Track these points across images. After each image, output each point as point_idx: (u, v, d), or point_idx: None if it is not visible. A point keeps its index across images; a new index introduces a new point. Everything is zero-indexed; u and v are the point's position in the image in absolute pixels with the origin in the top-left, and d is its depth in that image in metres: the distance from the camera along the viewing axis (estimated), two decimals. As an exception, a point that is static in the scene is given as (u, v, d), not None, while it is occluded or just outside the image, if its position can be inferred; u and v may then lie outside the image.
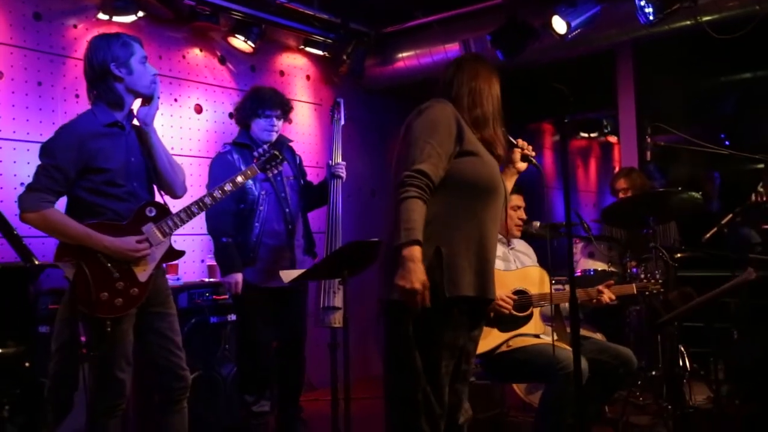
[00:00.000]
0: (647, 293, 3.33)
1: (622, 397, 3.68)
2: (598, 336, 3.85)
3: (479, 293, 2.17)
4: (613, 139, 8.78)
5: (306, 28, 4.88)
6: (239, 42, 4.49)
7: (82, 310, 2.36)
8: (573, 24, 4.04)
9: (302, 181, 3.79)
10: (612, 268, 3.98)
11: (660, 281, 3.31)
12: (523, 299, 3.04)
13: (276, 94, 3.66)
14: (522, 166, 2.48)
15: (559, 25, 4.05)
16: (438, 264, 2.09)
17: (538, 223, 3.35)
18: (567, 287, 3.59)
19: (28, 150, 3.67)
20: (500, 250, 3.19)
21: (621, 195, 4.43)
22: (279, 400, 3.70)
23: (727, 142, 6.94)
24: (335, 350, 3.40)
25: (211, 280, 4.02)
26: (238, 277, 3.43)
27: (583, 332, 3.21)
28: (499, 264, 3.15)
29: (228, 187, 2.76)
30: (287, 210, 3.59)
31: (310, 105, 5.23)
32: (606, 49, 5.15)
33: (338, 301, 3.49)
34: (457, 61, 2.37)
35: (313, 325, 3.73)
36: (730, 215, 4.15)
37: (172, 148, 4.30)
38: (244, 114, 3.63)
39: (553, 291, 3.26)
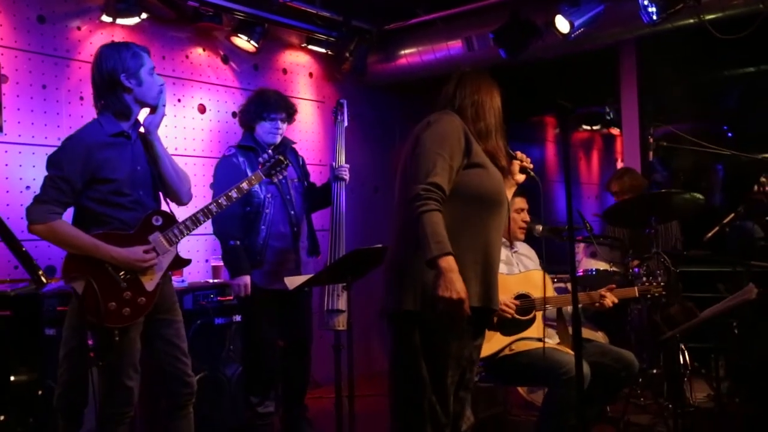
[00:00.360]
0: (649, 296, 3.36)
1: (623, 395, 3.72)
2: (600, 335, 3.88)
3: (484, 303, 2.21)
4: (615, 131, 8.77)
5: (308, 26, 4.87)
6: (242, 41, 4.49)
7: (91, 320, 2.39)
8: (576, 23, 4.03)
9: (306, 183, 3.81)
10: (614, 268, 4.00)
11: (662, 283, 3.34)
12: (525, 303, 3.06)
13: (281, 97, 3.67)
14: (520, 177, 2.51)
15: (562, 24, 4.05)
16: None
17: (540, 227, 3.37)
18: (568, 285, 3.64)
19: (33, 153, 3.69)
20: (504, 253, 3.21)
21: (616, 198, 4.46)
22: (284, 400, 3.74)
23: (729, 134, 6.96)
24: (339, 352, 3.43)
25: (216, 281, 4.04)
26: (247, 279, 3.46)
27: (584, 332, 3.25)
28: (502, 268, 3.17)
29: (234, 194, 2.79)
30: (292, 212, 3.62)
31: (313, 102, 5.23)
32: (609, 45, 5.15)
33: (342, 304, 3.53)
34: (459, 75, 2.39)
35: (318, 327, 3.78)
36: (732, 214, 4.16)
37: (176, 149, 4.32)
38: (248, 117, 3.64)
39: (555, 293, 3.29)
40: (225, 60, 4.64)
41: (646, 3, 3.89)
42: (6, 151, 3.61)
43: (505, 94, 2.41)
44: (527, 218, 3.37)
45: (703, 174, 6.52)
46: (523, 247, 3.42)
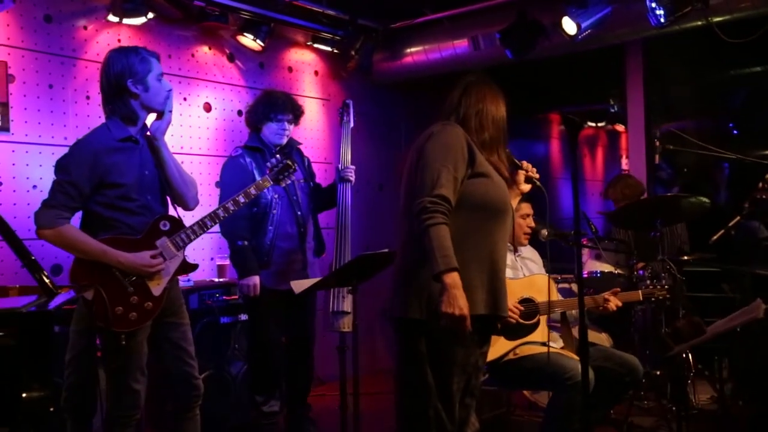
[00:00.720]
0: (653, 299, 3.36)
1: (627, 397, 3.73)
2: (604, 336, 3.89)
3: (491, 311, 2.22)
4: (620, 127, 8.76)
5: (314, 25, 4.86)
6: (248, 40, 4.48)
7: (98, 325, 2.41)
8: (583, 25, 4.02)
9: (312, 184, 3.82)
10: (619, 270, 4.00)
11: (666, 286, 3.35)
12: (529, 308, 3.07)
13: (288, 99, 3.68)
14: (525, 187, 2.52)
15: (569, 26, 4.03)
16: None
17: (546, 231, 3.37)
18: (572, 285, 3.65)
19: (40, 153, 3.70)
20: (508, 258, 3.22)
21: (615, 205, 4.47)
22: (288, 399, 3.76)
23: (735, 132, 6.94)
24: (344, 353, 3.44)
25: (221, 280, 4.06)
26: (256, 279, 3.47)
27: (588, 333, 3.25)
28: (507, 272, 3.15)
29: (241, 198, 2.79)
30: (299, 213, 3.63)
31: (319, 101, 5.23)
32: (615, 45, 5.13)
33: (347, 305, 3.55)
34: (465, 83, 2.37)
35: (323, 329, 3.80)
36: (738, 217, 4.16)
37: (182, 147, 4.33)
38: (255, 118, 3.65)
39: (559, 296, 3.30)
40: (231, 58, 4.64)
41: (653, 6, 3.88)
42: (13, 151, 3.62)
43: (509, 90, 2.40)
44: (532, 224, 3.37)
45: (708, 171, 6.51)
46: (527, 251, 3.42)
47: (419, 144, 2.26)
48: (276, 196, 3.56)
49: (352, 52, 4.96)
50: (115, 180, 2.52)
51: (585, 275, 3.99)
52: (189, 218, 2.76)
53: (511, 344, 3.04)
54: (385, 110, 5.66)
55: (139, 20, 3.95)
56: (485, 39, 4.74)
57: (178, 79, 4.32)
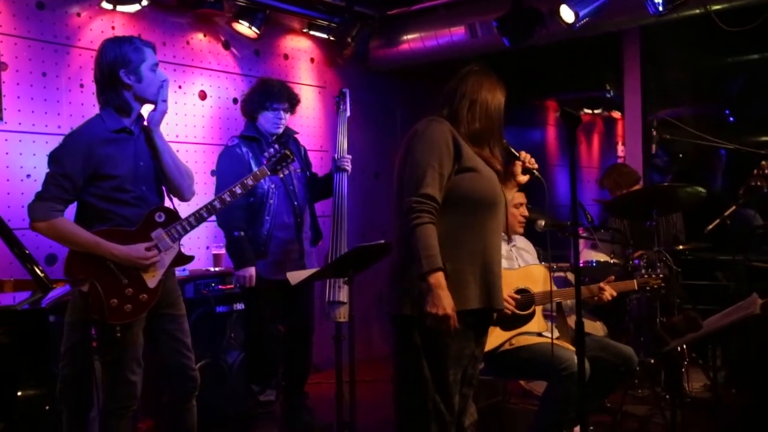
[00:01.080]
0: (648, 288, 3.37)
1: (621, 386, 3.75)
2: (599, 325, 3.90)
3: (485, 304, 2.23)
4: (616, 114, 8.74)
5: (310, 12, 4.83)
6: (243, 27, 4.44)
7: (93, 317, 2.40)
8: (581, 14, 3.99)
9: (308, 173, 3.80)
10: (614, 260, 4.01)
11: (661, 276, 3.36)
12: (525, 298, 3.08)
13: (284, 87, 3.65)
14: (523, 179, 2.49)
15: (567, 14, 4.01)
16: (444, 278, 2.13)
17: (543, 222, 3.37)
18: (568, 274, 3.66)
19: (33, 142, 3.67)
20: (503, 248, 3.22)
21: (610, 194, 4.47)
22: (285, 388, 3.78)
23: (731, 119, 6.94)
24: (340, 343, 3.45)
25: (217, 269, 4.05)
26: (252, 271, 3.47)
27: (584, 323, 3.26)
28: (502, 263, 3.18)
29: (238, 189, 2.77)
30: (296, 203, 3.62)
31: (314, 88, 5.20)
32: (613, 33, 5.10)
33: (343, 296, 3.55)
34: (463, 73, 2.36)
35: (319, 318, 3.80)
36: (733, 207, 4.17)
37: (177, 136, 4.30)
38: (251, 107, 3.62)
39: (555, 286, 3.31)
40: (226, 46, 4.60)
41: (651, -7, 3.85)
42: (6, 140, 3.60)
43: (505, 77, 2.38)
44: (526, 213, 3.36)
45: (704, 158, 6.51)
46: (521, 241, 3.42)
47: (406, 141, 2.26)
48: (273, 186, 3.55)
49: (348, 39, 4.93)
50: (109, 171, 2.50)
51: (581, 265, 4.00)
52: (185, 208, 2.75)
53: (507, 335, 3.05)
54: (381, 97, 5.64)
55: (133, 7, 3.91)
56: (482, 26, 4.71)
57: (172, 66, 4.29)
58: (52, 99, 3.76)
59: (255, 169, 3.16)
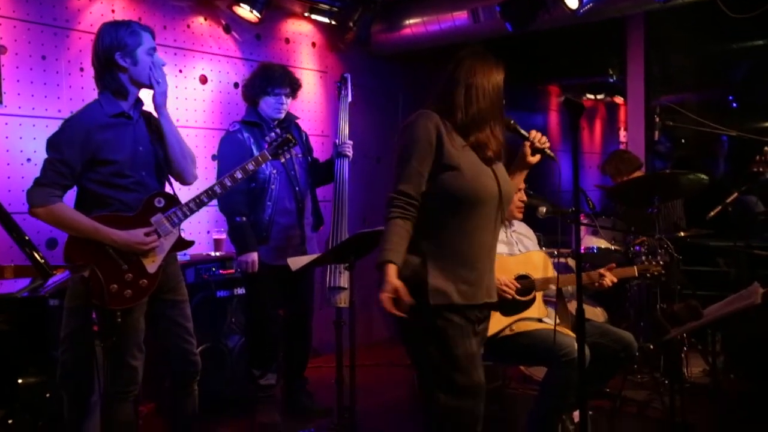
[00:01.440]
0: (648, 275, 3.37)
1: (621, 371, 3.76)
2: (599, 311, 3.91)
3: (467, 300, 2.23)
4: (619, 99, 8.71)
5: (312, -4, 4.79)
6: (244, 11, 4.41)
7: (93, 303, 2.41)
8: (585, -1, 3.96)
9: (309, 159, 3.80)
10: (615, 246, 4.01)
11: (661, 263, 3.35)
12: (525, 284, 3.08)
13: (286, 72, 3.64)
14: (534, 159, 2.44)
15: (571, 0, 3.97)
16: (424, 278, 2.18)
17: (545, 208, 3.36)
18: (569, 260, 3.66)
19: (33, 125, 3.66)
20: (503, 234, 3.22)
21: (612, 180, 4.47)
22: (285, 372, 3.79)
23: (735, 105, 6.91)
24: (341, 328, 3.46)
25: (218, 254, 4.06)
26: (254, 256, 3.47)
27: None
28: (502, 248, 3.18)
29: (239, 174, 2.77)
30: (297, 188, 3.61)
31: (316, 72, 5.17)
32: (617, 18, 5.06)
33: (344, 281, 3.55)
34: (456, 59, 2.32)
35: (319, 304, 3.81)
36: (735, 193, 4.16)
37: (177, 120, 4.28)
38: (252, 92, 3.61)
39: (556, 273, 3.31)
40: (227, 30, 4.57)
41: (656, -21, 3.82)
42: (6, 124, 3.58)
43: (507, 62, 2.34)
44: (524, 198, 3.34)
45: (706, 144, 6.49)
46: (521, 227, 3.41)
47: (397, 137, 2.28)
48: (274, 171, 3.54)
49: (350, 24, 4.90)
50: (107, 156, 2.50)
51: (582, 251, 4.01)
52: (185, 193, 2.75)
53: (508, 320, 3.05)
54: (383, 82, 5.61)
55: (133, -10, 3.88)
56: (485, 11, 4.67)
57: (173, 50, 4.26)
58: (52, 83, 3.74)
59: (256, 154, 3.16)
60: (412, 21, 5.09)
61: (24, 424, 1.53)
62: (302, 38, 5.06)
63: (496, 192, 2.27)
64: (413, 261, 2.19)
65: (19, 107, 3.62)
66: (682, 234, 3.97)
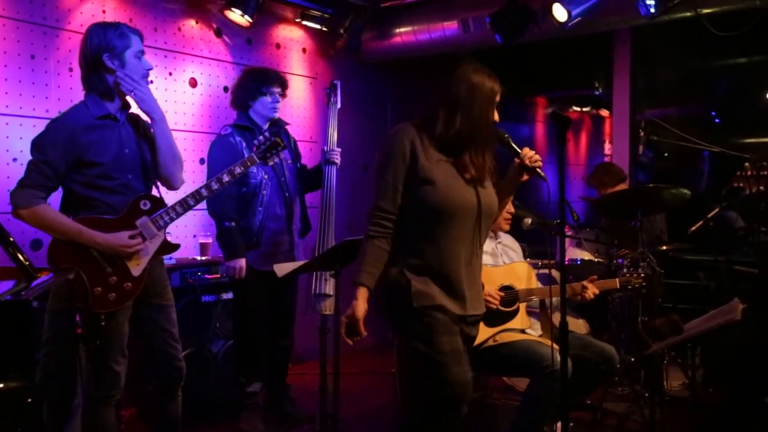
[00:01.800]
0: (630, 287, 3.41)
1: (602, 384, 3.80)
2: (581, 322, 3.95)
3: (449, 308, 2.27)
4: (604, 112, 8.80)
5: (303, 2, 4.81)
6: (236, 16, 4.41)
7: (77, 305, 2.39)
8: (574, 13, 4.02)
9: (298, 164, 3.80)
10: (599, 258, 4.05)
11: (642, 275, 3.39)
12: (509, 295, 3.10)
13: (275, 71, 3.70)
14: (524, 178, 2.40)
15: (560, 13, 4.03)
16: (406, 284, 2.23)
17: (530, 220, 3.40)
18: (553, 271, 3.69)
19: (21, 125, 3.64)
20: (489, 245, 3.24)
21: (598, 193, 4.53)
22: (267, 379, 3.78)
23: (717, 120, 7.03)
24: (325, 335, 3.47)
25: (204, 258, 4.05)
26: (243, 262, 3.46)
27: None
28: (487, 259, 3.21)
29: (226, 177, 2.75)
30: (287, 194, 3.62)
31: (306, 78, 5.18)
32: (604, 32, 5.13)
33: (329, 288, 3.56)
34: (449, 71, 2.29)
35: (304, 311, 3.81)
36: (717, 208, 4.23)
37: (166, 123, 4.27)
38: (245, 95, 3.60)
39: (539, 283, 3.34)
40: (218, 33, 4.58)
41: (644, -5, 3.88)
42: (-7, 122, 3.56)
43: (496, 73, 2.30)
44: (512, 209, 3.38)
45: (689, 158, 6.59)
46: (507, 239, 3.44)
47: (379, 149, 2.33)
48: (266, 176, 3.54)
49: (341, 31, 4.92)
50: (92, 158, 2.49)
51: (566, 262, 4.04)
52: (172, 196, 2.74)
53: (491, 331, 3.07)
54: (372, 89, 5.63)
55: (124, -8, 3.87)
56: (475, 22, 4.71)
57: (163, 53, 4.26)
58: (41, 82, 3.72)
59: (247, 157, 3.14)
60: (402, 29, 5.12)
61: (5, 429, 1.52)
62: (293, 44, 5.08)
63: (473, 204, 2.27)
64: (392, 271, 2.24)
65: (7, 106, 3.60)
66: (664, 247, 4.03)
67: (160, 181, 2.71)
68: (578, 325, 3.85)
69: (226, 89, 4.55)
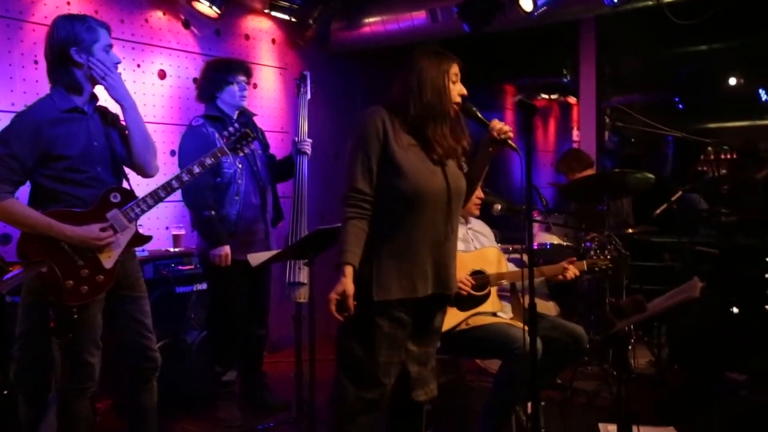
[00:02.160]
0: (597, 269, 3.50)
1: (572, 363, 3.89)
2: (551, 305, 4.03)
3: (408, 294, 2.31)
4: (572, 99, 8.93)
5: (272, -8, 4.80)
6: (204, 7, 4.39)
7: (49, 299, 2.38)
8: (539, 2, 4.08)
9: (267, 154, 3.82)
10: (567, 242, 4.15)
11: (608, 257, 3.49)
12: (480, 279, 3.17)
13: (238, 60, 3.73)
14: (494, 149, 2.39)
15: (525, 3, 4.09)
16: (369, 271, 2.27)
17: (499, 206, 3.46)
18: (523, 256, 3.77)
19: (-15, 119, 3.59)
20: (460, 231, 3.29)
21: (566, 178, 4.62)
22: (242, 367, 3.80)
23: (680, 106, 7.19)
24: (300, 323, 3.51)
25: (177, 249, 4.04)
26: (227, 249, 3.46)
27: (537, 303, 3.37)
28: (459, 245, 3.25)
29: (196, 169, 2.73)
30: (260, 183, 3.63)
31: (275, 69, 5.18)
32: (570, 21, 5.22)
33: (303, 277, 3.59)
34: (409, 57, 2.35)
35: (279, 299, 3.83)
36: (680, 192, 4.35)
37: (135, 115, 4.24)
38: (211, 86, 3.59)
39: (509, 267, 3.41)
40: (186, 25, 4.54)
41: (607, -16, 3.95)
42: (-43, 117, 3.51)
43: (465, 61, 2.36)
44: (481, 195, 3.43)
45: (654, 143, 6.74)
46: (478, 225, 3.50)
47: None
48: (240, 166, 3.54)
49: (310, 21, 4.93)
50: (60, 152, 2.47)
51: (536, 247, 4.13)
52: (144, 187, 2.74)
53: (463, 315, 3.13)
54: (341, 79, 5.65)
55: (89, -17, 3.82)
56: (443, 12, 4.75)
57: (131, 45, 4.22)
58: (5, 75, 3.67)
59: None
60: (371, 19, 5.14)
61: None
62: (262, 35, 5.07)
63: (442, 189, 2.32)
64: (363, 257, 2.26)
65: (-30, 100, 3.55)
66: (630, 230, 4.14)
67: (134, 169, 2.70)
68: (548, 307, 3.93)
69: (195, 81, 4.51)
